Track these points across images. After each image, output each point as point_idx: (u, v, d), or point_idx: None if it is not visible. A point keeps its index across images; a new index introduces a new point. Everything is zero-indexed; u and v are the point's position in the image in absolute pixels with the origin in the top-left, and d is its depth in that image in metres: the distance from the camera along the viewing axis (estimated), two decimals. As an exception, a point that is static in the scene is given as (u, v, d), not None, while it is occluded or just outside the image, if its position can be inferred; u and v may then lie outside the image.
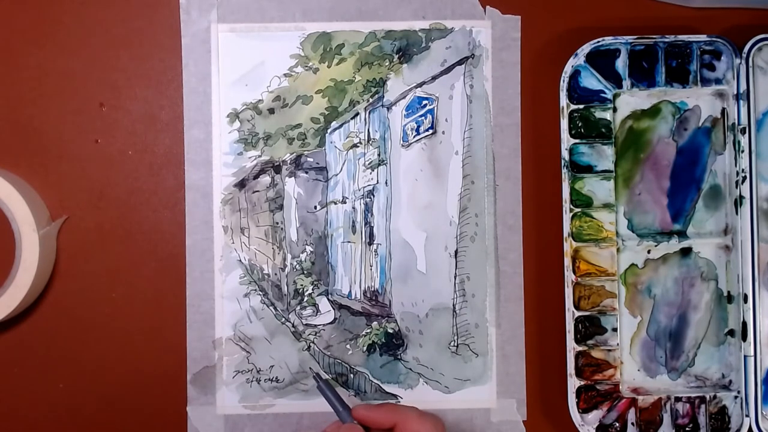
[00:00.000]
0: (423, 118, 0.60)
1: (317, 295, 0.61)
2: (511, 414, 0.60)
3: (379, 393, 0.60)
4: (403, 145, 0.61)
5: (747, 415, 0.58)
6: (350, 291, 0.61)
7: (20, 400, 0.59)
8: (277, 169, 0.60)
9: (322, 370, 0.60)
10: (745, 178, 0.58)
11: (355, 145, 0.61)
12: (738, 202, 0.58)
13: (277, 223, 0.61)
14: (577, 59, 0.58)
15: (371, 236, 0.61)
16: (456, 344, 0.60)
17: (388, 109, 0.61)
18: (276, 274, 0.60)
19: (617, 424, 0.58)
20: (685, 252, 0.60)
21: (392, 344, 0.60)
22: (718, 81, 0.59)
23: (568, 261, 0.58)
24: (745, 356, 0.58)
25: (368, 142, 0.61)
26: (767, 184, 0.59)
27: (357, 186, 0.61)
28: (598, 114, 0.59)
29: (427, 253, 0.60)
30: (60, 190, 0.60)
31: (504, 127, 0.60)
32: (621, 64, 0.59)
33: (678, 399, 0.59)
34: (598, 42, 0.58)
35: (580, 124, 0.59)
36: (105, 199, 0.60)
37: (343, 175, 0.61)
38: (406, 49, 0.60)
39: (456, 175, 0.60)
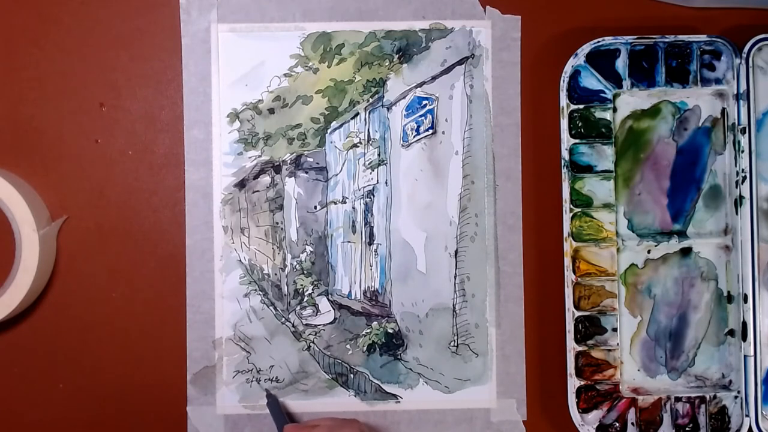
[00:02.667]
0: (423, 118, 0.60)
1: (317, 295, 0.61)
2: (511, 414, 0.60)
3: (379, 393, 0.60)
4: (403, 145, 0.61)
5: (747, 415, 0.58)
6: (350, 291, 0.61)
7: (20, 400, 0.59)
8: (277, 169, 0.60)
9: (322, 370, 0.60)
10: (745, 178, 0.58)
11: (355, 145, 0.61)
12: (738, 202, 0.58)
13: (277, 223, 0.61)
14: (577, 59, 0.58)
15: (371, 236, 0.61)
16: (456, 344, 0.60)
17: (388, 109, 0.61)
18: (276, 274, 0.60)
19: (617, 424, 0.58)
20: (685, 252, 0.60)
21: (392, 344, 0.60)
22: (718, 81, 0.59)
23: (568, 261, 0.58)
24: (745, 356, 0.58)
25: (368, 142, 0.61)
26: (767, 184, 0.59)
27: (357, 186, 0.61)
28: (598, 114, 0.59)
29: (427, 253, 0.60)
30: (60, 190, 0.60)
31: (504, 127, 0.60)
32: (621, 64, 0.59)
33: (678, 399, 0.59)
34: (598, 42, 0.58)
35: (580, 124, 0.59)
36: (105, 199, 0.60)
37: (343, 175, 0.61)
38: (406, 49, 0.60)
39: (456, 175, 0.60)
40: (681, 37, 0.58)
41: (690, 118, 0.60)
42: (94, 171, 0.60)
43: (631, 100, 0.60)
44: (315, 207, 0.61)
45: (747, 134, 0.58)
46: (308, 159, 0.61)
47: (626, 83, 0.59)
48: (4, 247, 0.58)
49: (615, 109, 0.59)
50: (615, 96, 0.59)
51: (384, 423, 0.60)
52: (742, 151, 0.58)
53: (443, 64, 0.60)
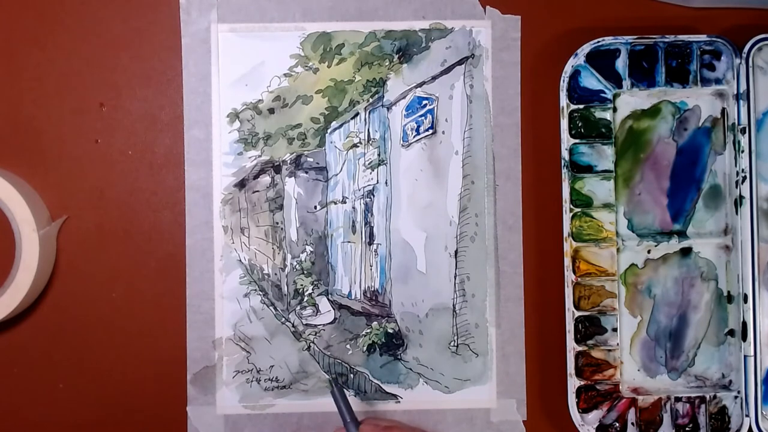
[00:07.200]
0: (423, 118, 0.60)
1: (317, 295, 0.61)
2: (511, 414, 0.60)
3: (379, 393, 0.60)
4: (403, 145, 0.61)
5: (747, 415, 0.58)
6: (350, 291, 0.61)
7: (20, 400, 0.59)
8: (277, 169, 0.61)
9: (322, 370, 0.60)
10: (745, 178, 0.58)
11: (355, 145, 0.61)
12: (738, 202, 0.58)
13: (277, 223, 0.61)
14: (577, 59, 0.58)
15: (371, 236, 0.61)
16: (456, 344, 0.60)
17: (388, 109, 0.61)
18: (276, 274, 0.60)
19: (617, 424, 0.58)
20: (685, 252, 0.60)
21: (392, 344, 0.60)
22: (718, 81, 0.59)
23: (568, 261, 0.58)
24: (745, 356, 0.58)
25: (368, 142, 0.61)
26: (767, 184, 0.59)
27: (357, 186, 0.61)
28: (598, 114, 0.59)
29: (427, 253, 0.60)
30: (60, 190, 0.60)
31: (504, 127, 0.60)
32: (621, 64, 0.59)
33: (678, 399, 0.59)
34: (598, 42, 0.58)
35: (580, 124, 0.59)
36: (105, 199, 0.60)
37: (343, 175, 0.61)
38: (406, 49, 0.60)
39: (456, 175, 0.60)
40: (681, 37, 0.58)
41: (690, 118, 0.60)
42: (94, 171, 0.60)
43: (631, 100, 0.60)
44: (315, 207, 0.61)
45: (747, 134, 0.58)
46: (308, 159, 0.61)
47: (626, 83, 0.59)
48: (4, 247, 0.58)
49: (615, 109, 0.59)
50: (615, 96, 0.59)
51: (384, 423, 0.60)
52: (742, 151, 0.58)
53: (443, 64, 0.60)
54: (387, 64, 0.60)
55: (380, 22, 0.60)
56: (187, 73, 0.60)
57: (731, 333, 0.60)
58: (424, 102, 0.60)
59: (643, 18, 0.61)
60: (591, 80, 0.59)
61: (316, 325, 0.61)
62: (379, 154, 0.61)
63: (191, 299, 0.59)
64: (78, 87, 0.60)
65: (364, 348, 0.60)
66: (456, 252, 0.60)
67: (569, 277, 0.58)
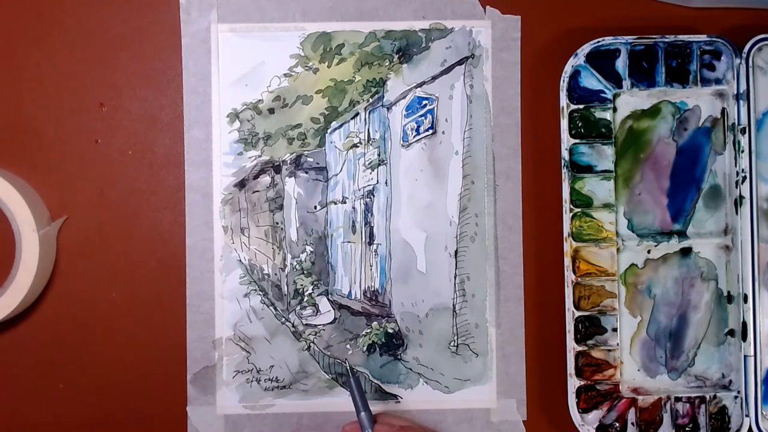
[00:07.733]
0: (423, 118, 0.60)
1: (317, 295, 0.61)
2: (511, 414, 0.60)
3: (379, 393, 0.60)
4: (403, 145, 0.61)
5: (747, 415, 0.58)
6: (350, 291, 0.61)
7: (20, 400, 0.59)
8: (277, 169, 0.61)
9: (322, 370, 0.60)
10: (745, 178, 0.58)
11: (355, 145, 0.61)
12: (738, 202, 0.58)
13: (277, 223, 0.61)
14: (577, 59, 0.58)
15: (371, 236, 0.61)
16: (456, 344, 0.60)
17: (388, 109, 0.61)
18: (276, 274, 0.60)
19: (617, 424, 0.58)
20: (685, 252, 0.60)
21: (392, 344, 0.60)
22: (718, 81, 0.59)
23: (568, 261, 0.58)
24: (745, 356, 0.58)
25: (368, 142, 0.61)
26: (767, 184, 0.59)
27: (357, 186, 0.61)
28: (598, 114, 0.59)
29: (427, 253, 0.60)
30: (60, 190, 0.60)
31: (504, 127, 0.60)
32: (621, 64, 0.59)
33: (678, 399, 0.59)
34: (598, 42, 0.58)
35: (580, 124, 0.59)
36: (105, 199, 0.60)
37: (343, 175, 0.61)
38: (406, 49, 0.60)
39: (456, 175, 0.60)
40: (681, 37, 0.58)
41: (690, 118, 0.60)
42: (94, 171, 0.60)
43: (631, 100, 0.60)
44: (315, 207, 0.61)
45: (747, 134, 0.58)
46: (308, 159, 0.61)
47: (626, 83, 0.59)
48: (4, 247, 0.58)
49: (615, 109, 0.59)
50: (615, 96, 0.59)
51: (384, 423, 0.60)
52: (742, 151, 0.58)
53: (443, 64, 0.60)
54: (387, 64, 0.60)
55: (380, 22, 0.60)
56: (187, 73, 0.60)
57: (731, 333, 0.60)
58: (424, 102, 0.60)
59: (643, 18, 0.61)
60: (591, 80, 0.59)
61: (316, 325, 0.61)
62: (379, 154, 0.61)
63: (191, 299, 0.59)
64: (78, 87, 0.60)
65: (364, 348, 0.60)
66: (456, 252, 0.60)
67: (569, 277, 0.58)
